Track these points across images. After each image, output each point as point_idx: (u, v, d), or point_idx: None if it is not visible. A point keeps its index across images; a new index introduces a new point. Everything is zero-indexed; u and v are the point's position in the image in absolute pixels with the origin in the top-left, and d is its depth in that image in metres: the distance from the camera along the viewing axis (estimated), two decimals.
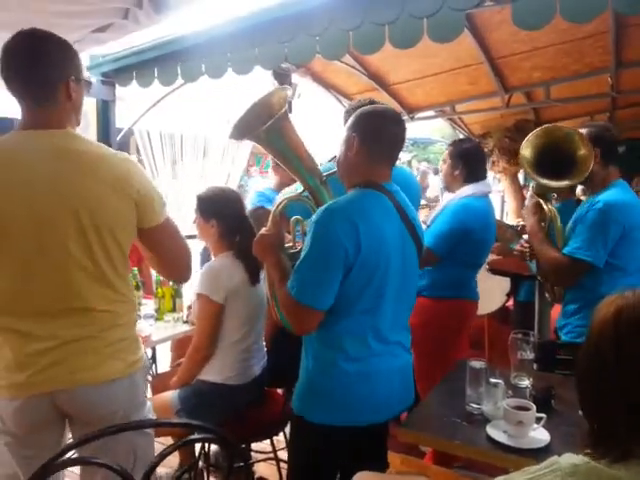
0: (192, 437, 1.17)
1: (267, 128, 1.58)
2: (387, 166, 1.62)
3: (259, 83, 4.67)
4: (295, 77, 4.14)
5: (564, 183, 2.16)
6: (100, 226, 1.34)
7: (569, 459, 0.85)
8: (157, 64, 3.03)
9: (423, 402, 1.76)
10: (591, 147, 2.05)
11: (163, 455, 1.06)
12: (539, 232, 2.22)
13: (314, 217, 1.52)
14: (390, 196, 1.57)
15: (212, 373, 2.15)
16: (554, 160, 2.14)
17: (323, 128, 5.27)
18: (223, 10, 2.95)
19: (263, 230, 1.73)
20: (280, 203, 1.83)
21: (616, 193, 2.10)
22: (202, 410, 2.06)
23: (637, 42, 3.80)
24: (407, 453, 2.63)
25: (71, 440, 1.42)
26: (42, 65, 1.34)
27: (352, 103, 2.55)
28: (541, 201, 2.26)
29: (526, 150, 2.21)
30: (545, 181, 2.19)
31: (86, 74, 3.03)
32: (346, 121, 2.46)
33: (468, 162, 2.62)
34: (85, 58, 3.11)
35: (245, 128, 1.65)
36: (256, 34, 2.65)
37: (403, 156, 8.80)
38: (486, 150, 6.07)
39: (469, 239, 2.51)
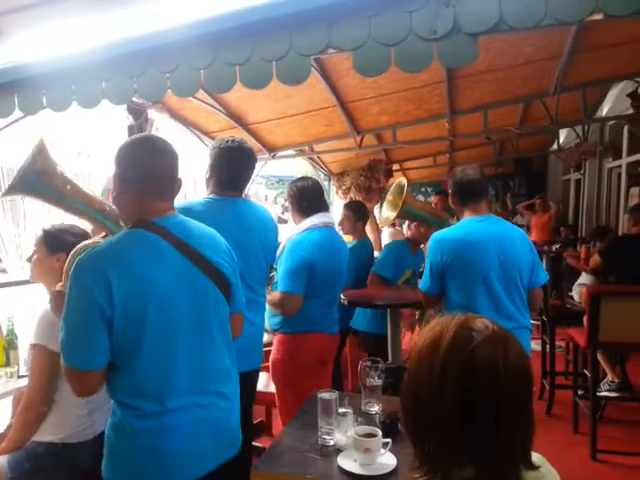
0: None
1: (21, 175, 1.49)
2: (160, 199, 1.45)
3: (114, 115, 4.48)
4: (152, 113, 4.03)
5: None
6: None
7: None
8: None
9: (276, 439, 1.72)
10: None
11: None
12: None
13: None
14: (164, 232, 1.40)
15: (48, 432, 1.91)
16: None
17: (184, 165, 5.18)
18: (69, 42, 2.82)
19: (59, 286, 1.60)
20: (75, 253, 1.68)
21: (448, 230, 2.39)
22: (37, 476, 1.84)
23: (463, 92, 4.33)
24: None
25: None
26: None
27: (216, 140, 2.53)
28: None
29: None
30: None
31: None
32: (210, 157, 2.43)
33: (302, 198, 2.71)
34: None
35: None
36: (103, 67, 2.54)
37: (269, 193, 8.88)
38: (344, 187, 6.42)
39: (313, 272, 2.54)
